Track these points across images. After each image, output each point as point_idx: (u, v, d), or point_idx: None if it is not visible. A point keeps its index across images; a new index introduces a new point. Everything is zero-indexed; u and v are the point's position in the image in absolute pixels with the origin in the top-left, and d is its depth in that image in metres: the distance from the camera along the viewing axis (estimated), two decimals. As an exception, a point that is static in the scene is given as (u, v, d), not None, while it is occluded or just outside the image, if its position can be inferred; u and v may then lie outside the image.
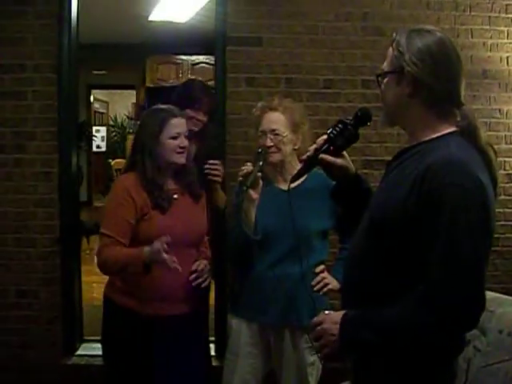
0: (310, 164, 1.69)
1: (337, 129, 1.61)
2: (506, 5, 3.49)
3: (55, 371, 3.39)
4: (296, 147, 2.44)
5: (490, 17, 3.49)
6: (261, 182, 2.35)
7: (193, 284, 2.33)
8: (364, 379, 1.57)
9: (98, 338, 3.42)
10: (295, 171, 2.43)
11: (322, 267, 2.44)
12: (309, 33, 3.41)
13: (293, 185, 2.43)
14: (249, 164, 2.33)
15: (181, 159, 2.37)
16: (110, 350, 2.44)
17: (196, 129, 2.89)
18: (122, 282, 2.36)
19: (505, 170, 3.50)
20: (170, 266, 2.11)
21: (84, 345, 3.63)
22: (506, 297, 2.75)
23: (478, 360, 2.63)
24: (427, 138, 1.47)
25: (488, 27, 3.49)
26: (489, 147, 1.49)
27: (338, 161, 1.64)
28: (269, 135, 2.39)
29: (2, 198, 3.38)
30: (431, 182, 1.34)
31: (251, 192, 2.32)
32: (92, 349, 3.54)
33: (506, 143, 3.55)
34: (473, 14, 3.46)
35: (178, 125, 2.37)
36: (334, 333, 1.46)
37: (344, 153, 1.66)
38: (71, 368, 3.44)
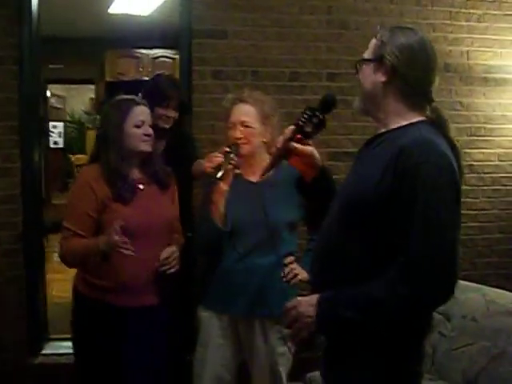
0: (281, 154, 1.70)
1: (305, 116, 1.64)
2: (467, 0, 3.58)
3: (21, 371, 3.32)
4: (265, 140, 2.44)
5: (450, 12, 3.58)
6: (231, 173, 2.34)
7: (158, 270, 2.32)
8: (336, 364, 1.59)
9: (63, 336, 3.41)
10: (264, 163, 2.46)
11: (291, 258, 2.45)
12: (274, 26, 3.43)
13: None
14: (219, 155, 2.33)
15: (147, 147, 2.35)
16: (79, 342, 2.41)
17: (167, 126, 2.85)
18: (88, 273, 2.34)
19: (466, 161, 3.59)
20: (120, 246, 2.10)
21: (49, 343, 3.57)
22: (468, 283, 2.83)
23: (443, 345, 2.70)
24: (397, 126, 1.54)
25: (449, 22, 3.58)
26: (455, 141, 1.55)
27: (309, 149, 1.68)
28: (239, 127, 2.38)
29: (-38, 195, 3.28)
30: (405, 162, 1.40)
31: (221, 184, 2.32)
32: (58, 347, 3.49)
33: (467, 135, 3.65)
34: (434, 8, 3.55)
35: (141, 113, 2.35)
36: (311, 314, 1.48)
37: (311, 143, 1.69)
38: (38, 367, 3.38)
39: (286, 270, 2.42)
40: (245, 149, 2.39)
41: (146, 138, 2.34)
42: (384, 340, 1.45)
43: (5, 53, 3.26)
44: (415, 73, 1.51)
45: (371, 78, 1.56)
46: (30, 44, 3.31)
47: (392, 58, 1.51)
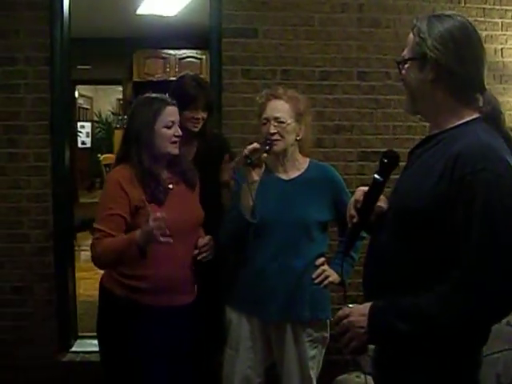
0: (362, 223, 1.59)
1: (374, 188, 1.55)
2: (501, -3, 3.51)
3: (50, 368, 3.35)
4: (298, 137, 2.43)
5: (484, 8, 3.50)
6: (263, 166, 2.33)
7: (198, 258, 2.34)
8: (388, 369, 1.53)
9: (91, 334, 3.42)
10: (296, 162, 2.45)
11: (322, 259, 2.43)
12: (304, 24, 3.40)
13: (293, 175, 2.45)
14: (255, 144, 2.30)
15: (175, 150, 2.33)
16: (105, 340, 2.40)
17: (196, 129, 2.75)
18: (118, 272, 2.31)
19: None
20: (158, 233, 2.06)
21: (79, 341, 3.59)
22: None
23: (478, 350, 2.65)
24: (452, 125, 1.46)
25: (482, 19, 3.49)
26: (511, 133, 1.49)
27: (384, 206, 1.58)
28: (272, 122, 2.37)
29: (-6, 193, 3.32)
30: (463, 169, 1.33)
31: (253, 173, 2.31)
32: (87, 345, 3.51)
33: (501, 134, 3.56)
34: (467, 5, 3.47)
35: (171, 113, 2.33)
36: (363, 325, 1.43)
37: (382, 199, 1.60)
38: (66, 365, 3.40)
39: (318, 271, 2.41)
40: (278, 145, 2.37)
41: (176, 139, 2.32)
42: (439, 350, 1.40)
43: (36, 53, 3.29)
44: (462, 64, 1.41)
45: (417, 77, 1.47)
46: (61, 44, 3.33)
47: (435, 53, 1.41)
